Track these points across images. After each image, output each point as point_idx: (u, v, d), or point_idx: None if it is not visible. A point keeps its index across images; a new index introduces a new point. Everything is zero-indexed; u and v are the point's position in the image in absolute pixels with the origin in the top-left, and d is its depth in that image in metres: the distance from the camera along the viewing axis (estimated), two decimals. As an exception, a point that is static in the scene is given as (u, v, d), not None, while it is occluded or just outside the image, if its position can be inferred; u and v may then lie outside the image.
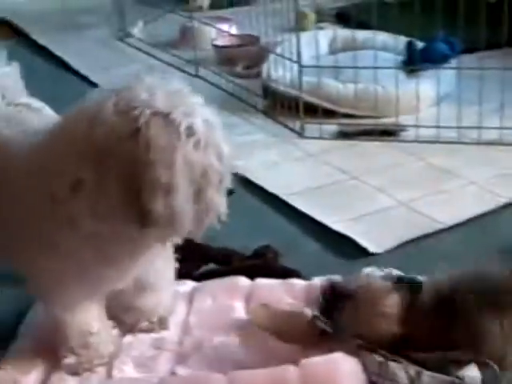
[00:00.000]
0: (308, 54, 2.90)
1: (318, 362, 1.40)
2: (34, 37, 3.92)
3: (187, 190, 1.37)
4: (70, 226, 1.41)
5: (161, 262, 1.64)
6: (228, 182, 1.43)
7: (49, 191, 1.41)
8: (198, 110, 1.40)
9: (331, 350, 1.43)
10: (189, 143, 1.35)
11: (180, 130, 1.34)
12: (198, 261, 1.95)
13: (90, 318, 1.58)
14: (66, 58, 3.60)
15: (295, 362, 1.42)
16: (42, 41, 3.84)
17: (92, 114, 1.37)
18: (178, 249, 1.67)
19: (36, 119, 1.63)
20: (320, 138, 2.63)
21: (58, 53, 3.66)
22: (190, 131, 1.36)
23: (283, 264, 1.94)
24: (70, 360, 1.59)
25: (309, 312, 1.59)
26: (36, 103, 1.74)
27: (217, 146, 1.40)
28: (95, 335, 1.59)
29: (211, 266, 1.96)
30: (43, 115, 1.68)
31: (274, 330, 1.57)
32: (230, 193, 1.44)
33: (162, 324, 1.70)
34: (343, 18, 3.12)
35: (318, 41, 2.87)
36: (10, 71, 1.77)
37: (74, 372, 1.59)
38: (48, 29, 4.06)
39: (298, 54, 2.62)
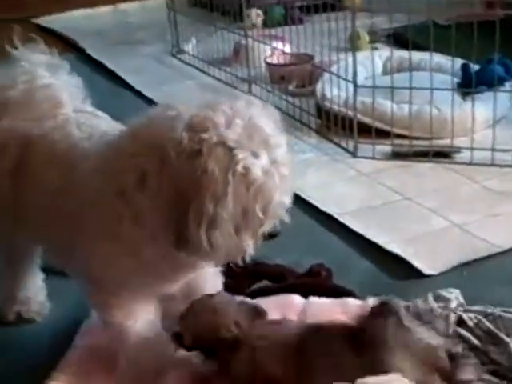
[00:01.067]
0: (362, 74, 2.92)
1: (375, 382, 1.39)
2: (90, 52, 3.98)
3: (227, 226, 1.37)
4: (135, 222, 1.42)
5: (209, 269, 1.65)
6: (269, 228, 1.43)
7: (115, 188, 1.43)
8: (268, 151, 1.37)
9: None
10: (241, 183, 1.35)
11: (237, 167, 1.34)
12: (251, 277, 1.96)
13: (148, 328, 1.57)
14: (121, 73, 3.65)
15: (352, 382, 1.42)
16: (97, 56, 3.90)
17: (166, 122, 1.39)
18: (230, 264, 1.69)
19: (103, 125, 1.67)
20: (373, 158, 2.63)
21: (113, 68, 3.72)
22: (247, 172, 1.34)
23: (336, 283, 1.94)
24: (131, 369, 1.58)
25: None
26: (99, 112, 1.78)
27: (268, 195, 1.37)
28: (153, 345, 1.58)
29: (264, 282, 1.97)
30: (109, 122, 1.72)
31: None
32: (271, 236, 1.44)
33: None
34: (397, 39, 3.12)
35: (373, 61, 2.88)
36: (74, 81, 1.80)
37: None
38: (103, 44, 4.13)
39: (354, 74, 2.62)
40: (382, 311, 1.49)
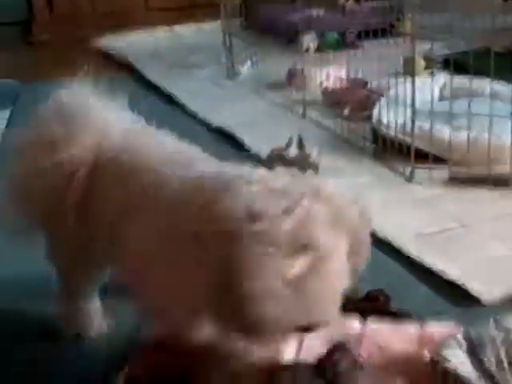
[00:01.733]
0: (418, 99, 2.90)
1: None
2: (146, 74, 4.04)
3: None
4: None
5: None
6: None
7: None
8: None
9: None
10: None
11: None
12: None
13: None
14: (177, 95, 3.69)
15: None
16: (154, 78, 3.95)
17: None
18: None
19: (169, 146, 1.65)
20: (430, 183, 2.62)
21: (169, 90, 3.76)
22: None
23: (393, 307, 1.93)
24: None
25: (427, 354, 1.57)
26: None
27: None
28: None
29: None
30: (172, 140, 1.68)
31: (390, 372, 1.56)
32: None
33: None
34: (453, 65, 3.11)
35: (430, 87, 2.87)
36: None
37: None
38: (160, 66, 4.18)
39: (413, 100, 2.62)
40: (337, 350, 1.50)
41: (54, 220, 1.69)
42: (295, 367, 1.52)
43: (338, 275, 1.34)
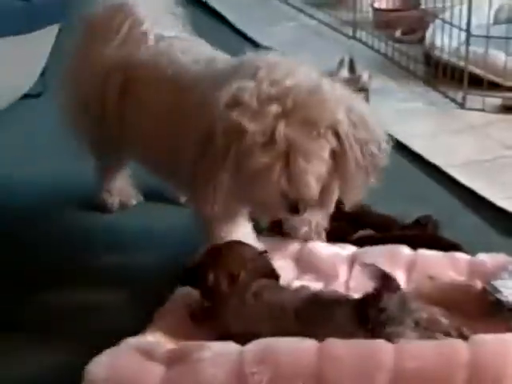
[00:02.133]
0: (473, 22, 2.81)
1: (489, 340, 1.36)
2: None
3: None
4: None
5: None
6: None
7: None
8: None
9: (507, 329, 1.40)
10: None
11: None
12: (356, 224, 1.94)
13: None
14: (223, 11, 3.61)
15: (464, 337, 1.40)
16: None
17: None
18: (336, 209, 1.71)
19: (207, 51, 1.84)
20: (482, 110, 2.56)
21: (216, 6, 3.68)
22: None
23: (442, 236, 1.91)
24: None
25: (478, 285, 1.56)
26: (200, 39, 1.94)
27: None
28: None
29: (368, 231, 1.95)
30: (211, 49, 1.86)
31: (440, 302, 1.54)
32: None
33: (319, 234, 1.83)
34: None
35: (485, 10, 2.78)
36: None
37: None
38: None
39: (468, 22, 2.54)
40: (387, 286, 1.44)
41: (96, 109, 1.90)
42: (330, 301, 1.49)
43: (312, 175, 1.51)
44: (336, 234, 1.87)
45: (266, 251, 1.60)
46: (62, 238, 2.03)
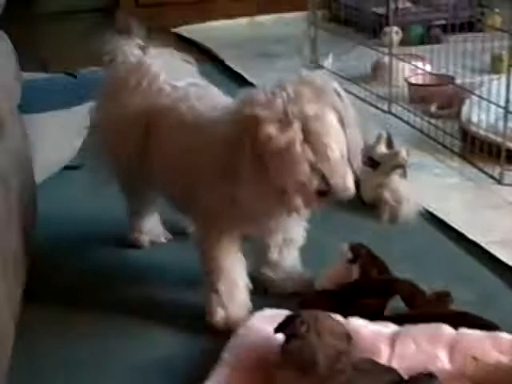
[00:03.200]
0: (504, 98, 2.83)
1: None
2: (228, 63, 4.03)
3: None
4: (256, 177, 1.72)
5: (296, 221, 1.96)
6: None
7: (228, 160, 1.74)
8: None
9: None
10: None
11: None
12: (384, 294, 1.93)
13: (237, 272, 1.90)
14: (259, 84, 3.66)
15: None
16: (235, 67, 3.95)
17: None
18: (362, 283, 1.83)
19: (220, 98, 2.04)
20: (521, 186, 2.56)
21: (252, 80, 3.74)
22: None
23: (480, 316, 1.88)
24: (220, 314, 1.88)
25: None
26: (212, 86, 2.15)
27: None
28: (239, 290, 1.90)
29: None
30: (222, 95, 2.07)
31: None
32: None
33: (305, 287, 2.01)
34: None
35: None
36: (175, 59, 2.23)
37: (223, 326, 1.87)
38: (241, 56, 4.17)
39: (507, 100, 2.55)
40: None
41: (122, 154, 2.12)
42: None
43: (330, 136, 1.69)
44: (370, 310, 1.87)
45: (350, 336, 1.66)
46: (101, 269, 2.26)
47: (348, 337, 1.63)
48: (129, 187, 2.26)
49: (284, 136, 1.67)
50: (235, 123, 1.74)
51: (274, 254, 2.03)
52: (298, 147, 1.67)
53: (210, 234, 1.90)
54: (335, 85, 1.78)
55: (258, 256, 2.04)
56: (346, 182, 1.75)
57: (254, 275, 1.99)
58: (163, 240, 2.35)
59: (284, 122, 1.67)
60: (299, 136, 1.67)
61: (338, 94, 1.76)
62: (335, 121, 1.72)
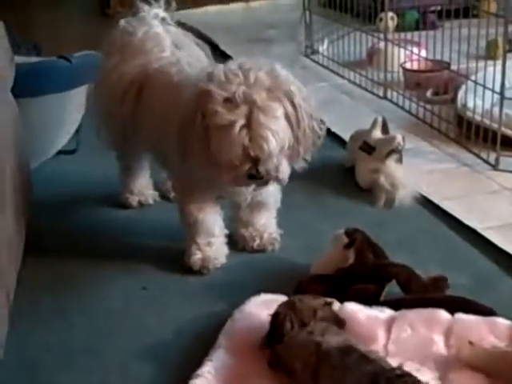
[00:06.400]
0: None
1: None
2: (223, 47, 4.01)
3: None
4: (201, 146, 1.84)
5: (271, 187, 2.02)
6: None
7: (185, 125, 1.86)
8: None
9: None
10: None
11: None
12: (379, 279, 1.93)
13: (213, 223, 2.07)
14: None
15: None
16: (230, 52, 3.92)
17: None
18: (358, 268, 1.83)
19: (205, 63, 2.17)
20: (516, 171, 2.56)
21: (247, 65, 3.73)
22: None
23: (476, 300, 1.88)
24: (198, 256, 2.07)
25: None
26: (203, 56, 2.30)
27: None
28: (216, 238, 2.09)
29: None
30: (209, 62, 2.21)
31: (484, 369, 1.52)
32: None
33: (272, 244, 2.16)
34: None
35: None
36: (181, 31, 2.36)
37: (202, 267, 2.06)
38: (236, 41, 4.16)
39: (502, 85, 2.55)
40: None
41: (117, 113, 2.20)
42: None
43: (270, 128, 1.78)
44: (367, 295, 1.87)
45: (331, 302, 1.72)
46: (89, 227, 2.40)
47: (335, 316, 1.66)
48: (121, 145, 2.33)
49: (228, 115, 1.78)
50: (193, 94, 1.85)
51: (244, 214, 2.16)
52: (237, 130, 1.77)
53: (182, 191, 2.08)
54: (297, 81, 1.89)
55: (231, 214, 2.18)
56: (279, 172, 1.86)
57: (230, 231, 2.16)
58: (151, 202, 2.47)
59: (232, 103, 1.78)
60: (241, 120, 1.77)
61: (299, 89, 1.86)
62: (281, 114, 1.81)
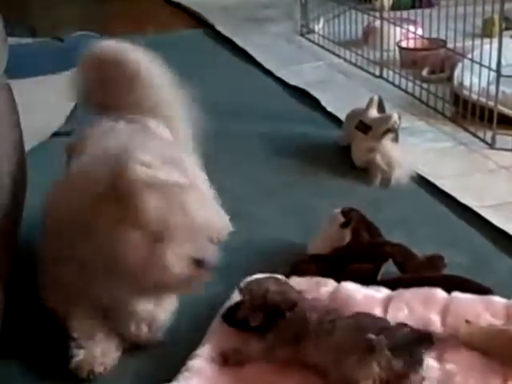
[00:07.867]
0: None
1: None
2: (219, 28, 3.99)
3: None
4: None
5: None
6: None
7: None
8: None
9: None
10: None
11: None
12: (376, 259, 1.92)
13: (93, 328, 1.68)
14: (250, 50, 3.64)
15: (505, 381, 1.38)
16: (226, 32, 3.91)
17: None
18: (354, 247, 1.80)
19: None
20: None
21: (242, 45, 3.71)
22: None
23: (473, 279, 1.88)
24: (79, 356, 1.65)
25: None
26: None
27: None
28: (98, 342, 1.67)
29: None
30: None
31: (480, 347, 1.53)
32: None
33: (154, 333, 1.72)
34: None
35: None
36: None
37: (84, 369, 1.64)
38: (231, 21, 4.14)
39: (498, 63, 2.54)
40: None
41: None
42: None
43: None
44: (363, 275, 1.87)
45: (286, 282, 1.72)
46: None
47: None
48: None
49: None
50: None
51: None
52: None
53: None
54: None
55: None
56: None
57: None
58: None
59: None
60: None
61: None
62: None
